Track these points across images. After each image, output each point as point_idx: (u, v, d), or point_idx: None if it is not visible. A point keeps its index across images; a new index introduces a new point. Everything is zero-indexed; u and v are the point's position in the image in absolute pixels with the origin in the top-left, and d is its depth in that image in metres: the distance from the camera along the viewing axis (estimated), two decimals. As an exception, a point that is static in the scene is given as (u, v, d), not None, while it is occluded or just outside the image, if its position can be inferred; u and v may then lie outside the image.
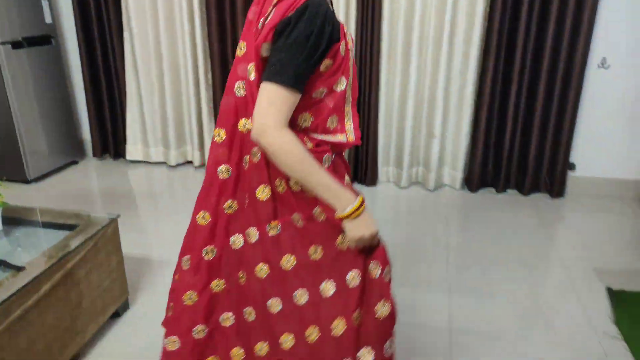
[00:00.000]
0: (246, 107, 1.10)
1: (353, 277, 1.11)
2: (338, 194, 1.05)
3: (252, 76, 1.06)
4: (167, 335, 1.25)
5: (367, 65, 3.14)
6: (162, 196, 3.27)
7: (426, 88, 3.16)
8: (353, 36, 3.10)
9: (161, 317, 1.27)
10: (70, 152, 3.76)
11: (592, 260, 2.44)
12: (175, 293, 1.24)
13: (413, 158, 3.34)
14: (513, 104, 3.07)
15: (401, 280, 2.15)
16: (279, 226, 1.12)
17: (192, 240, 1.21)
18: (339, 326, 1.10)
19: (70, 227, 1.83)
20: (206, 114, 3.56)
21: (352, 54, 1.11)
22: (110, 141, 3.87)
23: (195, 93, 3.54)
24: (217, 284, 1.21)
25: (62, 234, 1.78)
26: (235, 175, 1.15)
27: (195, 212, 1.20)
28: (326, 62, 1.03)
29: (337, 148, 1.15)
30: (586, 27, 2.83)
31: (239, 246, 1.17)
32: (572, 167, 3.20)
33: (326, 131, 1.11)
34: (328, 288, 1.11)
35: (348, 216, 1.05)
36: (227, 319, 1.22)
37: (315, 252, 1.12)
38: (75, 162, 3.82)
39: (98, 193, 3.32)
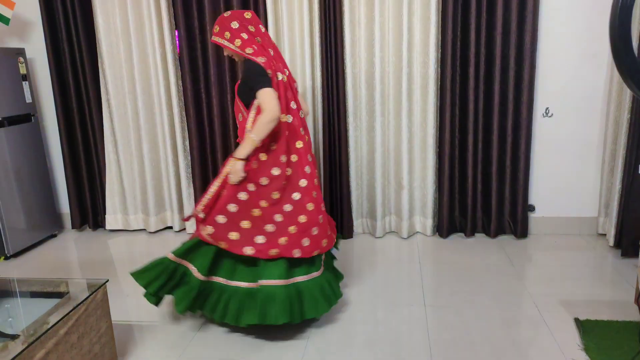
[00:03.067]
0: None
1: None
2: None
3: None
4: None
5: (335, 124, 3.38)
6: (143, 262, 3.30)
7: (391, 142, 3.40)
8: (319, 98, 3.35)
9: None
10: (49, 226, 3.79)
11: (559, 294, 2.60)
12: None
13: (385, 209, 3.53)
14: (471, 154, 3.32)
15: (382, 321, 2.25)
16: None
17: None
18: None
19: (59, 295, 1.89)
20: (184, 179, 3.69)
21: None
22: (89, 212, 3.93)
23: (173, 160, 3.69)
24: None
25: (52, 302, 1.84)
26: None
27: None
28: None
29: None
30: (527, 82, 3.16)
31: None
32: (531, 209, 3.43)
33: None
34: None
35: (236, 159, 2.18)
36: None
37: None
38: (54, 236, 3.85)
39: (78, 263, 3.34)
